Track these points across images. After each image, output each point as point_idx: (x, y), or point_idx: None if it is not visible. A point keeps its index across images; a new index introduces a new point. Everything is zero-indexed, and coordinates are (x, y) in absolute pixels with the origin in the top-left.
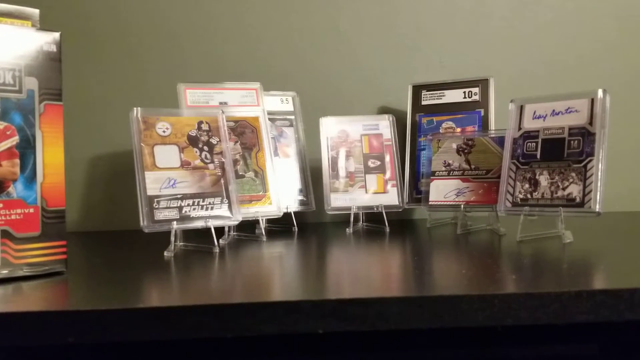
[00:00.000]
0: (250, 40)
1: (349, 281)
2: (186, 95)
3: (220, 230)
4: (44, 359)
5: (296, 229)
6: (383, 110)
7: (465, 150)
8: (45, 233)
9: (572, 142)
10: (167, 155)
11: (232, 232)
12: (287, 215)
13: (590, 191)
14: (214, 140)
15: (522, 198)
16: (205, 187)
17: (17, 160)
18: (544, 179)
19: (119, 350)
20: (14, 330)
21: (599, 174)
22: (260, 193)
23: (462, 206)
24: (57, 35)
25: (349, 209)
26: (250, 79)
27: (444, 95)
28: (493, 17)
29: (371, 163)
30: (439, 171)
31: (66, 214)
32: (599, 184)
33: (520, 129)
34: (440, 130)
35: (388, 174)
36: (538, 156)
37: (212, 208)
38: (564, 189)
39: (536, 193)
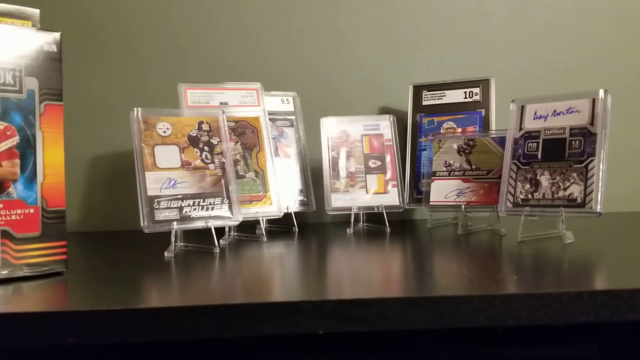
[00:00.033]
0: (250, 40)
1: (350, 281)
2: (187, 96)
3: (220, 231)
4: (44, 359)
5: (296, 230)
6: (384, 111)
7: (466, 151)
8: (45, 233)
9: (573, 142)
10: (168, 156)
11: (232, 233)
12: (287, 215)
13: (592, 191)
14: (214, 141)
15: (523, 198)
16: (205, 187)
17: (17, 161)
18: (545, 179)
19: (119, 350)
20: (14, 330)
21: (600, 174)
22: (261, 193)
23: (462, 206)
24: (57, 35)
25: (350, 209)
26: (250, 79)
27: (444, 96)
28: (493, 17)
29: (372, 163)
30: (440, 171)
31: (66, 214)
32: (600, 185)
33: (521, 129)
34: (441, 131)
35: (389, 174)
36: (539, 156)
37: (212, 208)
38: (565, 189)
39: (537, 193)
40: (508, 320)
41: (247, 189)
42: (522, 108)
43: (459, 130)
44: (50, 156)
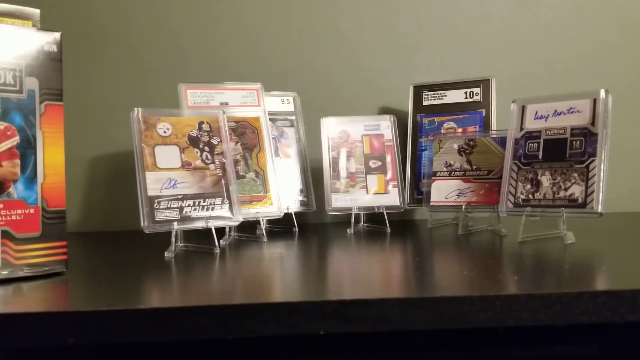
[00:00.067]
0: (250, 40)
1: (350, 282)
2: (187, 96)
3: (220, 231)
4: (44, 359)
5: (297, 230)
6: (384, 111)
7: (467, 151)
8: (45, 233)
9: (574, 142)
10: (168, 156)
11: (232, 233)
12: (287, 215)
13: (593, 192)
14: (214, 141)
15: (523, 199)
16: (206, 187)
17: (18, 161)
18: (545, 180)
19: (119, 351)
20: (14, 331)
21: (601, 174)
22: (261, 193)
23: (463, 207)
24: (57, 35)
25: (350, 209)
26: (250, 79)
27: (445, 96)
28: (493, 17)
29: (372, 163)
30: (440, 172)
31: (66, 214)
32: (601, 185)
33: (522, 129)
34: (442, 131)
35: (389, 175)
36: (540, 156)
37: (212, 208)
38: (566, 189)
39: (538, 194)
40: (509, 320)
41: (248, 189)
42: (523, 108)
43: (460, 130)
44: (51, 156)
